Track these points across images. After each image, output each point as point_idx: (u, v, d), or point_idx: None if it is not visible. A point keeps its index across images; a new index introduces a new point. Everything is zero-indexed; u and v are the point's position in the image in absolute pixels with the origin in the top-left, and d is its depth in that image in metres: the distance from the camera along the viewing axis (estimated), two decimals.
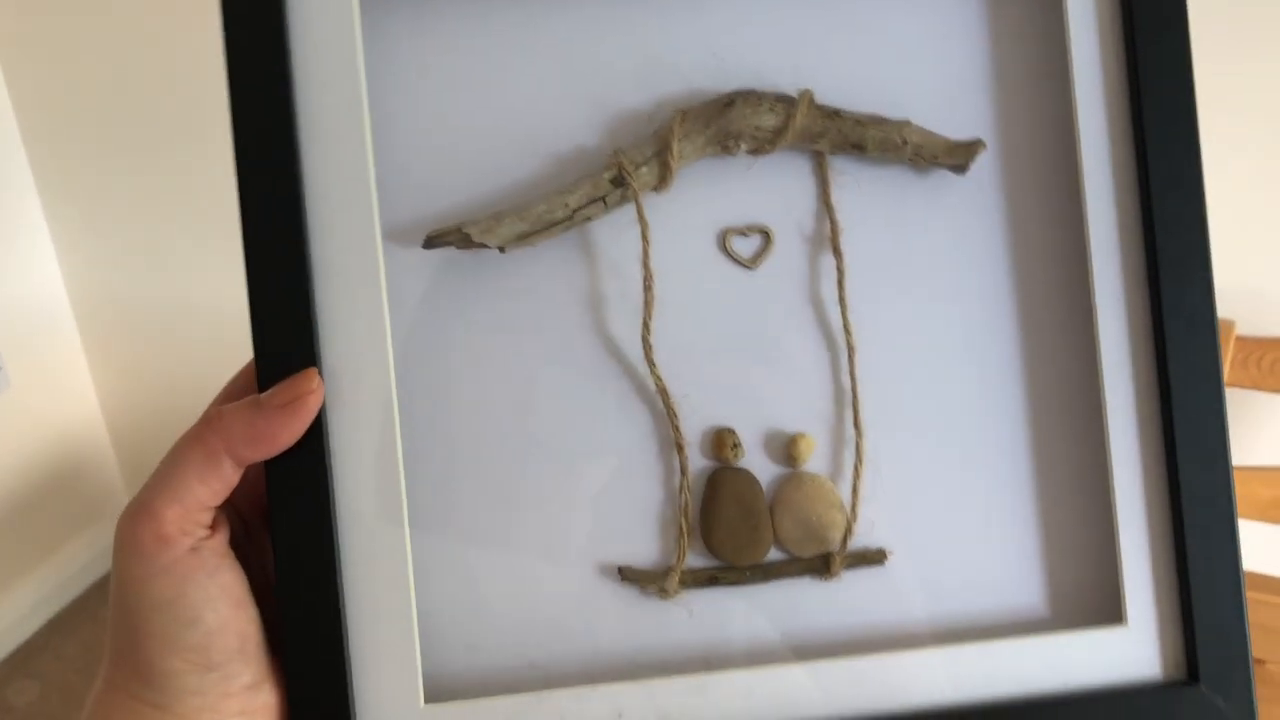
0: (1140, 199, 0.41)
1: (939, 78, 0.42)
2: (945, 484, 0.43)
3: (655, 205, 0.42)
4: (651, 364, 0.42)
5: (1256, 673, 0.85)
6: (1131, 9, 0.40)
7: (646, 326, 0.42)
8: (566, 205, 0.40)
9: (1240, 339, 1.11)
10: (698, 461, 0.42)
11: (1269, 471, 1.08)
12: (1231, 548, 0.41)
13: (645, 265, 0.41)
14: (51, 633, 1.82)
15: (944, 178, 0.42)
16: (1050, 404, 0.43)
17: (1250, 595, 0.98)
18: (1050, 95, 0.42)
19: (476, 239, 0.40)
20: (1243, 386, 1.12)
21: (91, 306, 1.87)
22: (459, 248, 0.40)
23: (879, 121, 0.41)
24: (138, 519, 0.36)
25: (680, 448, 0.42)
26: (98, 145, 1.71)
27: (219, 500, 0.37)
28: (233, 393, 0.40)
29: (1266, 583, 1.00)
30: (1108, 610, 0.42)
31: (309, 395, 0.38)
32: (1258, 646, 0.89)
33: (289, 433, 0.37)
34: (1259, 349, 1.10)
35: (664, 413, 0.42)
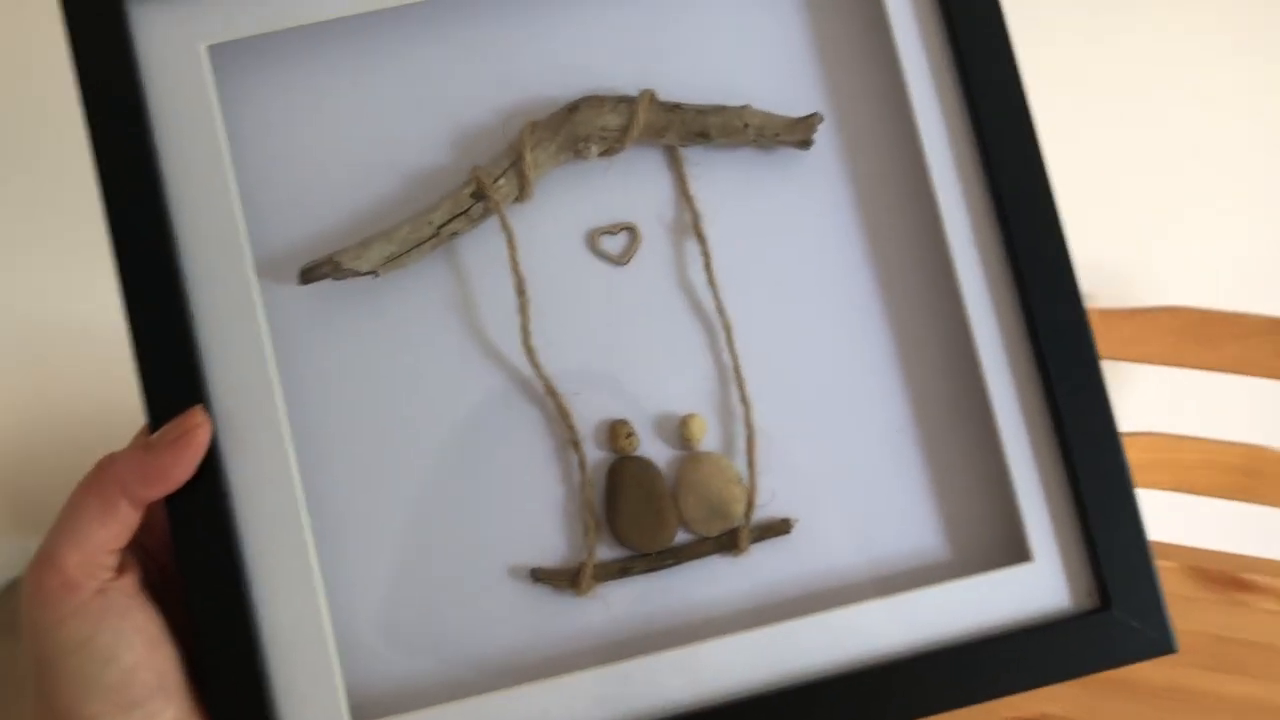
0: (977, 144, 0.43)
1: (772, 61, 0.45)
2: (837, 446, 0.44)
3: (520, 215, 0.44)
4: (536, 366, 0.43)
5: None
6: None
7: (526, 331, 0.43)
8: (431, 223, 0.42)
9: (1097, 311, 1.12)
10: (595, 455, 0.43)
11: (1129, 438, 1.09)
12: (1121, 468, 0.42)
13: (515, 272, 0.43)
14: None
15: (792, 154, 0.44)
16: (923, 353, 0.44)
17: None
18: (879, 62, 0.44)
19: (348, 266, 0.41)
20: (1101, 358, 1.12)
21: None
22: (334, 278, 0.42)
23: (719, 110, 0.43)
24: (41, 568, 0.37)
25: (576, 444, 0.43)
26: None
27: (121, 542, 0.38)
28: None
29: None
30: (1013, 548, 0.43)
31: (197, 429, 0.39)
32: None
33: (181, 468, 0.38)
34: (1116, 320, 1.12)
35: (556, 412, 0.43)
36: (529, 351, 0.43)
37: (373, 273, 0.42)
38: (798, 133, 0.43)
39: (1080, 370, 0.42)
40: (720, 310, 0.44)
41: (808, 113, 0.44)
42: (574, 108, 0.43)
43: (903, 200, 0.44)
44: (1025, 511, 0.43)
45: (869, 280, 0.44)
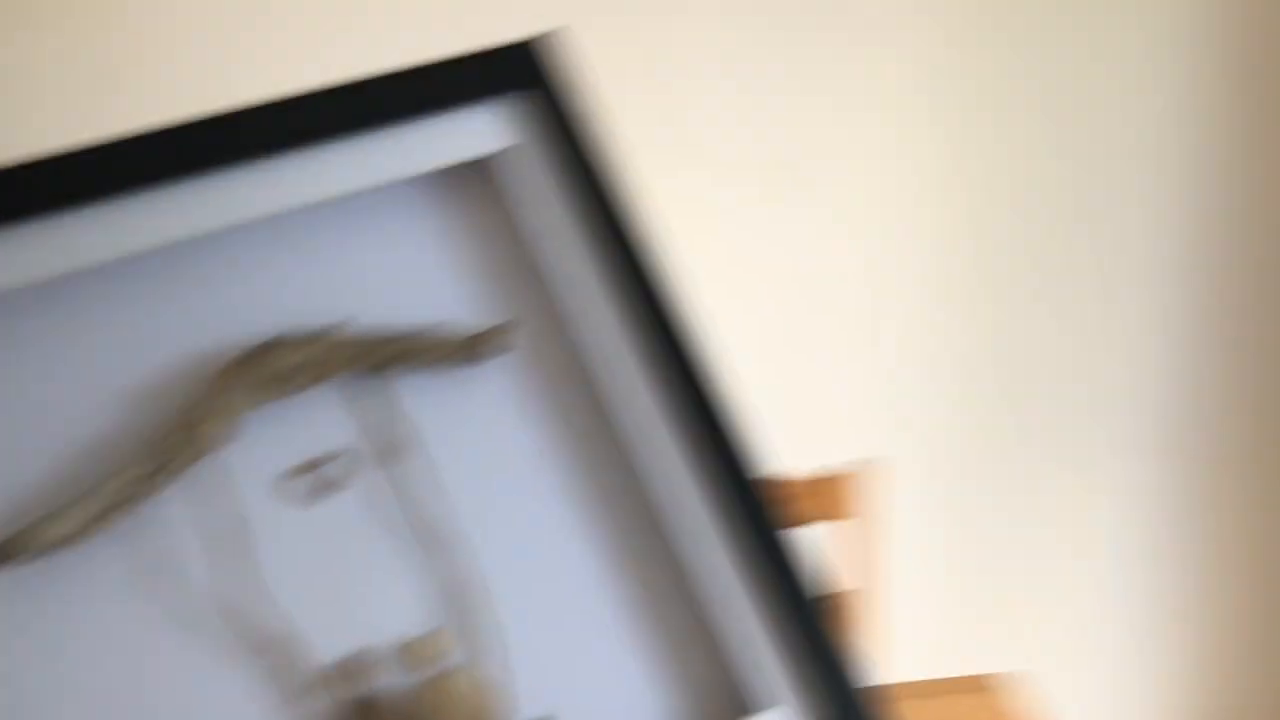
0: (646, 333, 0.47)
1: (450, 281, 0.47)
2: (577, 641, 0.45)
3: (221, 460, 0.42)
4: (258, 617, 0.41)
5: None
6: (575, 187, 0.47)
7: (241, 580, 0.41)
8: (118, 490, 0.40)
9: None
10: (339, 695, 0.41)
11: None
12: (821, 614, 0.45)
13: (227, 522, 0.41)
14: None
15: (487, 364, 0.47)
16: (635, 533, 0.46)
17: None
18: (545, 269, 0.48)
19: (22, 550, 0.38)
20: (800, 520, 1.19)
21: None
22: (12, 563, 0.38)
23: (406, 336, 0.45)
24: None
25: (314, 690, 0.41)
26: None
27: None
28: None
29: None
30: (755, 700, 0.45)
31: None
32: None
33: None
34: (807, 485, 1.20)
35: (282, 664, 0.41)
36: (248, 601, 0.41)
37: (53, 551, 0.39)
38: (480, 346, 0.46)
39: (770, 530, 0.46)
40: (439, 525, 0.44)
41: (487, 327, 0.46)
42: (266, 348, 0.43)
43: (592, 396, 0.47)
44: (759, 665, 0.45)
45: (576, 473, 0.46)
